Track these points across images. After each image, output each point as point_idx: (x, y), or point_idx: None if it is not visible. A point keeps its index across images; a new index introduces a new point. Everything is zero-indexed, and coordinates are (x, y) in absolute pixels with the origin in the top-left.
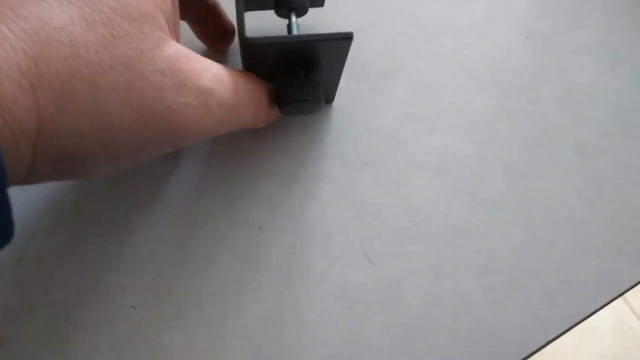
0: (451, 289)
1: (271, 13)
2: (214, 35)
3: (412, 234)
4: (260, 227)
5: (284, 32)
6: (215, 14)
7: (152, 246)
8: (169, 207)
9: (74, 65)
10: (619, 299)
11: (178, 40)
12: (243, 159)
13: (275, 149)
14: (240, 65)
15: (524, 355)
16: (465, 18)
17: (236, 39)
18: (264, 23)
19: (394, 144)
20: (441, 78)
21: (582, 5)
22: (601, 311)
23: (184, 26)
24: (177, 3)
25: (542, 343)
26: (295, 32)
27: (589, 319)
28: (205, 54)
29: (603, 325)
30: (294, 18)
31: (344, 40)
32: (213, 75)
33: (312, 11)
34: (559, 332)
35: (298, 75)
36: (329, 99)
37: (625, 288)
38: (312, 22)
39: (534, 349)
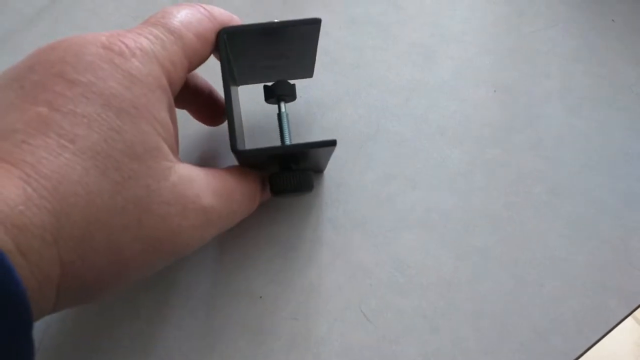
0: (448, 339)
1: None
2: (209, 115)
3: (406, 289)
4: (261, 297)
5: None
6: (211, 98)
7: (157, 328)
8: (174, 287)
9: (91, 214)
10: (633, 322)
11: (177, 153)
12: (238, 231)
13: (269, 219)
14: None
15: None
16: (434, 78)
17: None
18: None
19: (379, 204)
20: (417, 137)
21: (542, 56)
22: (619, 337)
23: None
24: (175, 121)
25: None
26: (285, 121)
27: (608, 347)
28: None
29: (622, 351)
30: (283, 107)
31: (330, 145)
32: (213, 192)
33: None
34: None
35: (289, 167)
36: (321, 170)
37: (615, 322)
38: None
39: None
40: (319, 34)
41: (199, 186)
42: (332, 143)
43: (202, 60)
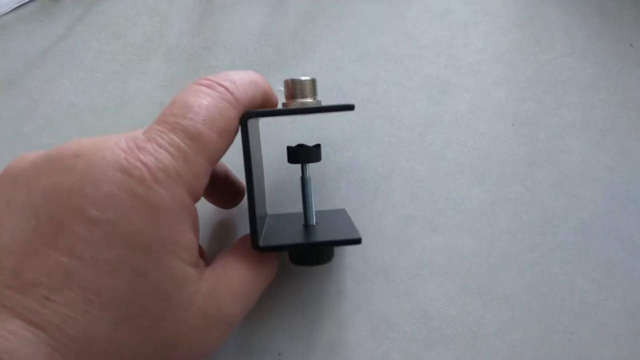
0: None
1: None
2: (226, 199)
3: (430, 342)
4: (279, 354)
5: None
6: (227, 181)
7: None
8: None
9: None
10: None
11: (202, 255)
12: None
13: (286, 272)
14: None
15: None
16: (449, 113)
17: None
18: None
19: (399, 249)
20: (435, 175)
21: (561, 85)
22: None
23: None
24: (198, 225)
25: None
26: (308, 186)
27: None
28: None
29: None
30: (307, 172)
31: (353, 242)
32: (234, 296)
33: (305, 123)
34: None
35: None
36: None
37: None
38: (306, 138)
39: None
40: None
41: (222, 296)
42: (357, 240)
43: (224, 154)
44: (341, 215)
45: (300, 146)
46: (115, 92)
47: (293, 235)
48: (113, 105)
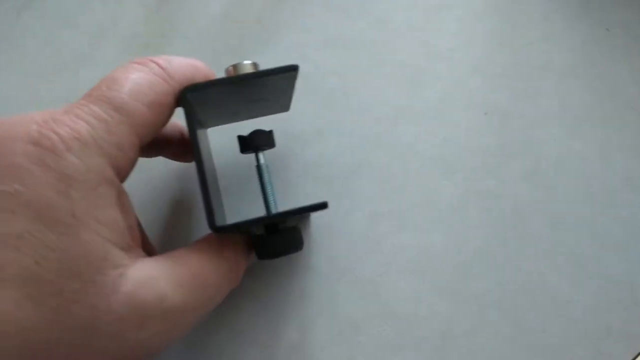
0: None
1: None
2: (184, 154)
3: (398, 345)
4: None
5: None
6: (183, 139)
7: None
8: None
9: (26, 354)
10: None
11: (138, 242)
12: None
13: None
14: None
15: None
16: (420, 103)
17: None
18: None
19: (367, 247)
20: (405, 169)
21: (536, 71)
22: None
23: None
24: (130, 208)
25: None
26: (265, 174)
27: None
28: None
29: None
30: (262, 159)
31: (320, 207)
32: (180, 286)
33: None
34: None
35: (277, 229)
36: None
37: None
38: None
39: None
40: (297, 78)
41: (162, 285)
42: (323, 205)
43: (158, 129)
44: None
45: (251, 133)
46: (64, 85)
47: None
48: (62, 99)
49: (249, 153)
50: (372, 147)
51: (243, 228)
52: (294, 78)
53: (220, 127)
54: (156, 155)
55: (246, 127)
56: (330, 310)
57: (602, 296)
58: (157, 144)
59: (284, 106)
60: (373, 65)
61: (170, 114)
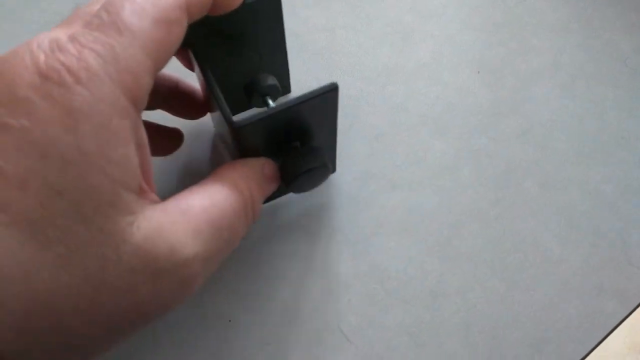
0: (435, 355)
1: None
2: (186, 108)
3: (387, 304)
4: (230, 320)
5: None
6: (179, 90)
7: (121, 357)
8: None
9: (30, 300)
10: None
11: (151, 182)
12: None
13: None
14: None
15: None
16: (412, 61)
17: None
18: None
19: (357, 207)
20: (396, 129)
21: (529, 28)
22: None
23: None
24: (144, 141)
25: None
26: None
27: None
28: None
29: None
30: (271, 103)
31: (331, 92)
32: (196, 233)
33: None
34: None
35: (296, 149)
36: (332, 168)
37: (611, 327)
38: None
39: None
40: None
41: (175, 233)
42: (333, 87)
43: (172, 49)
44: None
45: (253, 79)
46: None
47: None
48: None
49: (259, 105)
50: (362, 107)
51: (265, 120)
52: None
53: None
54: (153, 108)
55: None
56: (320, 270)
57: (594, 255)
58: (155, 92)
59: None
60: (363, 24)
61: (181, 30)
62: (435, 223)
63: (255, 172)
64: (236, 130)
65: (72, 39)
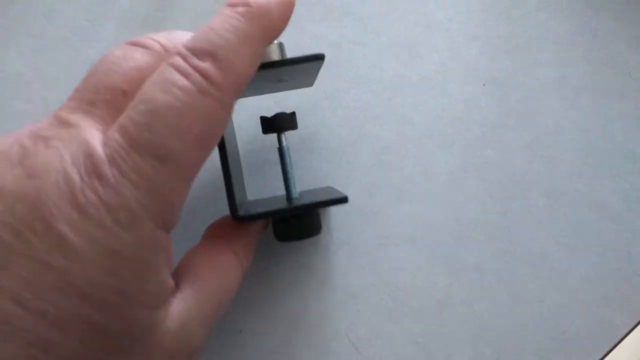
0: None
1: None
2: None
3: (396, 314)
4: (240, 331)
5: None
6: None
7: None
8: None
9: None
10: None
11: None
12: None
13: None
14: None
15: None
16: (418, 74)
17: None
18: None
19: (364, 219)
20: (402, 141)
21: (534, 42)
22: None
23: None
24: (172, 253)
25: None
26: (287, 157)
27: None
28: None
29: None
30: (284, 141)
31: (340, 201)
32: (206, 320)
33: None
34: None
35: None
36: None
37: (619, 338)
38: (268, 104)
39: None
40: (322, 64)
41: (192, 327)
42: (343, 199)
43: (204, 162)
44: (326, 189)
45: (275, 115)
46: (66, 61)
47: (276, 205)
48: (64, 75)
49: (271, 133)
50: (369, 120)
51: (264, 216)
52: (320, 65)
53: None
54: None
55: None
56: (329, 281)
57: (600, 266)
58: None
59: (308, 82)
60: (369, 38)
61: (219, 139)
62: (442, 234)
63: (255, 238)
64: (238, 219)
65: (111, 159)
